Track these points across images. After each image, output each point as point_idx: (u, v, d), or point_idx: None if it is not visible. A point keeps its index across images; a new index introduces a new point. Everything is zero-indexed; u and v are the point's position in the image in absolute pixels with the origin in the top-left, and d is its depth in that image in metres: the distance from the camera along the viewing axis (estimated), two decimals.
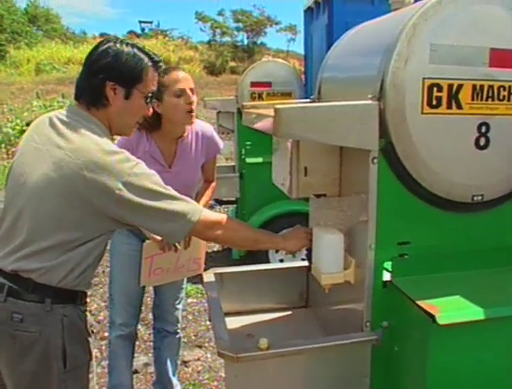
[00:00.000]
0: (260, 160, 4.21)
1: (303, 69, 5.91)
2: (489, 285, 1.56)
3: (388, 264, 1.58)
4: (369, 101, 1.46)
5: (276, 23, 27.71)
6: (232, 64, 22.79)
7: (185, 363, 3.15)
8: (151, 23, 29.80)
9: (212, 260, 4.51)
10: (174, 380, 2.67)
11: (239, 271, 2.20)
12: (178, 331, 2.67)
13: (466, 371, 1.44)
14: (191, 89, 2.26)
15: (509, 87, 1.52)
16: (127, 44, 1.62)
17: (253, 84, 4.47)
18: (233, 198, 4.61)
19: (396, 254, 1.57)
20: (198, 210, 1.61)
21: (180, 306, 2.66)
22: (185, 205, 1.59)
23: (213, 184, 2.61)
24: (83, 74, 1.62)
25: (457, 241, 1.61)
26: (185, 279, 2.67)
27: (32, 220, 1.52)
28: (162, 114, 2.27)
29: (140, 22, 30.13)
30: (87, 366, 1.64)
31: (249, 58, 22.64)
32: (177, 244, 2.31)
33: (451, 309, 1.39)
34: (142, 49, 1.64)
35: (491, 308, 1.39)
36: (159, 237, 2.25)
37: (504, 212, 1.63)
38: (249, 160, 4.39)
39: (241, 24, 26.50)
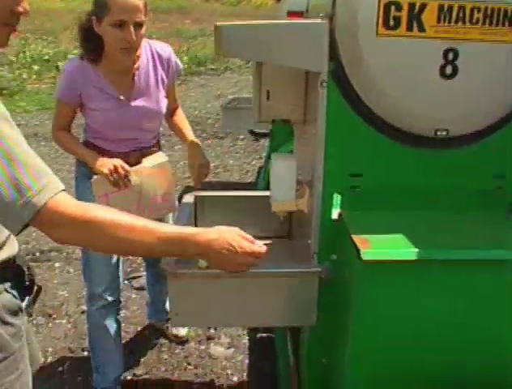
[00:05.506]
0: None
1: None
2: (442, 228, 1.45)
3: (338, 196, 1.51)
4: (318, 20, 1.35)
5: None
6: None
7: None
8: None
9: None
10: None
11: (222, 195, 2.20)
12: None
13: (398, 316, 1.36)
14: (138, 23, 1.88)
15: (486, 8, 1.35)
16: None
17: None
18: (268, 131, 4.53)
19: (347, 187, 1.50)
20: (53, 188, 1.10)
21: None
22: (38, 176, 1.08)
23: (179, 110, 2.32)
24: None
25: (416, 179, 1.50)
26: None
27: None
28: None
29: None
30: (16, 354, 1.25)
31: None
32: (132, 179, 2.03)
33: (384, 246, 1.32)
34: None
35: (428, 249, 1.30)
36: (106, 171, 1.96)
37: (472, 153, 1.49)
38: None
39: None
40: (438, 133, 1.45)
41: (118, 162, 1.99)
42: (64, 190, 1.12)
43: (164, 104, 2.16)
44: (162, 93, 2.13)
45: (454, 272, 1.32)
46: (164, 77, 2.13)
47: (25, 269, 1.32)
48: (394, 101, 1.41)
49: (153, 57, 2.10)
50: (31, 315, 1.37)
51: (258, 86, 1.62)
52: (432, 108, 1.42)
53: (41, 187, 1.07)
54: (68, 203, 1.12)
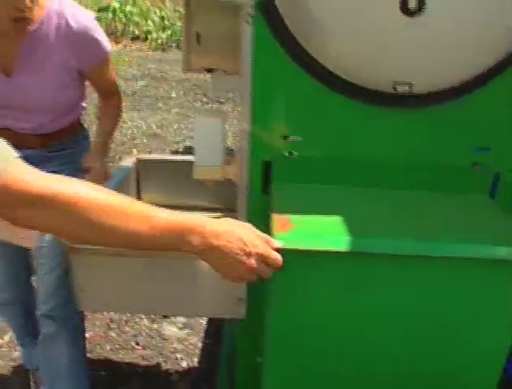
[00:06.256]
0: None
1: None
2: (391, 210, 1.15)
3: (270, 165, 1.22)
4: None
5: None
6: None
7: None
8: None
9: None
10: None
11: (170, 159, 1.93)
12: None
13: (311, 314, 1.07)
14: None
15: None
16: None
17: None
18: None
19: (281, 152, 1.20)
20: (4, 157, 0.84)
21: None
22: None
23: (113, 100, 1.75)
24: None
25: (368, 146, 1.20)
26: None
27: None
28: None
29: None
30: None
31: None
32: None
33: (307, 230, 1.02)
34: None
35: (356, 239, 0.99)
36: None
37: (444, 116, 1.17)
38: None
39: None
40: (398, 88, 1.13)
41: None
42: (20, 158, 0.85)
43: (64, 87, 1.61)
44: (64, 74, 1.59)
45: (378, 268, 1.01)
46: (70, 56, 1.55)
47: None
48: (338, 44, 1.09)
49: (59, 25, 1.53)
50: None
51: (187, 27, 1.31)
52: (390, 54, 1.09)
53: None
54: (30, 176, 0.85)
